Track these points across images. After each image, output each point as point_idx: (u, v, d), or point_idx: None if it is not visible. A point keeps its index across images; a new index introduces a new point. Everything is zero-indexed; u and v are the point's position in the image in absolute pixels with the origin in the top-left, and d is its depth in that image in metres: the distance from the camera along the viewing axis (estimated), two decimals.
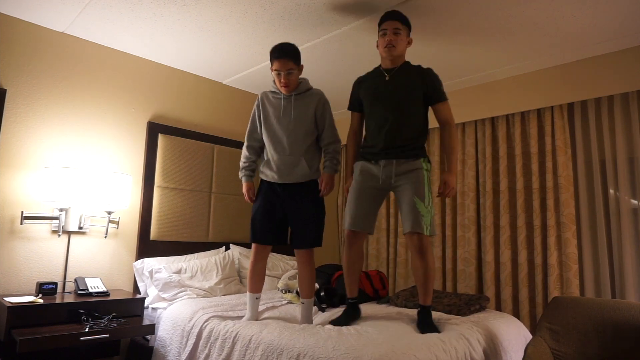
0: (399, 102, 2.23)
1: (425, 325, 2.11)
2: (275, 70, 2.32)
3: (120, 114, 3.05)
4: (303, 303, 2.36)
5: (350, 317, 2.30)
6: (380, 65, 2.37)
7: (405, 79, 2.25)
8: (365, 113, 2.41)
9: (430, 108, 2.35)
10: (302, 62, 2.39)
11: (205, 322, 2.33)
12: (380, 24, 2.29)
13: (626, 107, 2.90)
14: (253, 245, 2.43)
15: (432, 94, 2.25)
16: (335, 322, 2.25)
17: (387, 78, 2.28)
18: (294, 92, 2.39)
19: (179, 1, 2.41)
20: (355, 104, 2.47)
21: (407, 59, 2.62)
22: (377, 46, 2.32)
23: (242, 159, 2.52)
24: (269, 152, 2.42)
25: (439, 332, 2.07)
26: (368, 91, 2.36)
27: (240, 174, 2.53)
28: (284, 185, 2.36)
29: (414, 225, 2.14)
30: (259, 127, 2.48)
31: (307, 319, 2.33)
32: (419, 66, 2.29)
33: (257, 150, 2.52)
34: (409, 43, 2.31)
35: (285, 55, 2.30)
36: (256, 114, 2.49)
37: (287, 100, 2.38)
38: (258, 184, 2.50)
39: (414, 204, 2.15)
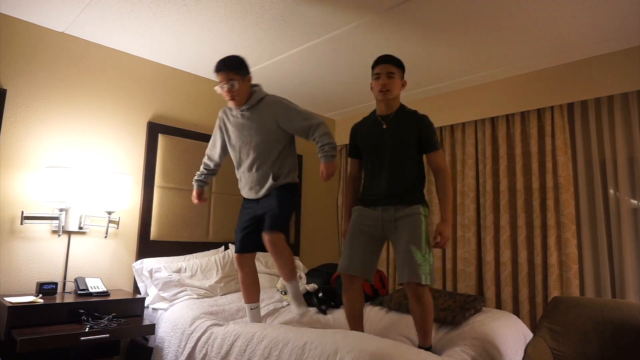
0: (396, 151, 2.21)
1: None
2: (220, 84, 2.26)
3: (120, 114, 3.05)
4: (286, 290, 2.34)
5: None
6: (375, 111, 2.34)
7: (401, 127, 2.22)
8: (363, 160, 2.38)
9: None
10: (250, 73, 2.32)
11: (207, 328, 2.31)
12: (373, 68, 2.27)
13: (626, 107, 2.90)
14: (235, 256, 2.44)
15: (424, 143, 2.22)
16: None
17: (384, 126, 2.25)
18: (246, 106, 2.31)
19: (179, 1, 2.41)
20: (353, 151, 2.44)
21: (407, 57, 2.61)
22: (372, 89, 2.31)
23: (199, 171, 2.59)
24: (237, 171, 2.45)
25: None
26: (365, 140, 2.33)
27: (193, 181, 2.60)
28: (258, 198, 2.39)
29: (410, 275, 2.05)
30: (219, 146, 2.50)
31: (297, 299, 2.30)
32: (415, 112, 2.27)
33: (212, 170, 2.59)
34: (403, 86, 2.28)
35: (224, 66, 2.23)
36: (217, 132, 2.50)
37: (243, 117, 2.33)
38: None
39: (410, 252, 2.07)
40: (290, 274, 2.32)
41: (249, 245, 2.41)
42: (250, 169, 2.35)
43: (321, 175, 2.29)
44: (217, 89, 2.28)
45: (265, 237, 2.27)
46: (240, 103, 2.30)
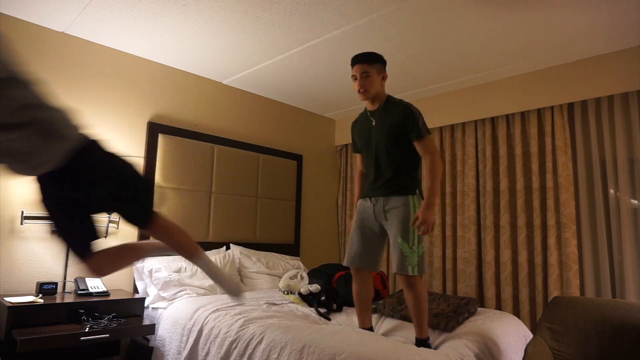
0: (383, 145, 2.24)
1: None
2: None
3: (120, 114, 3.05)
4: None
5: None
6: (366, 108, 2.37)
7: (387, 121, 2.24)
8: None
9: None
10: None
11: (206, 318, 2.33)
12: (351, 68, 2.28)
13: (626, 107, 2.90)
14: None
15: (409, 133, 2.20)
16: None
17: (373, 124, 2.29)
18: None
19: (179, 1, 2.41)
20: (355, 147, 2.50)
21: (407, 58, 2.61)
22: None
23: None
24: None
25: None
26: (359, 136, 2.39)
27: None
28: None
29: (399, 267, 2.12)
30: None
31: (215, 276, 1.92)
32: (400, 102, 2.26)
33: None
34: (384, 79, 2.28)
35: None
36: None
37: None
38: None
39: (398, 245, 2.13)
40: (188, 251, 1.88)
41: None
42: None
43: None
44: None
45: (146, 230, 1.77)
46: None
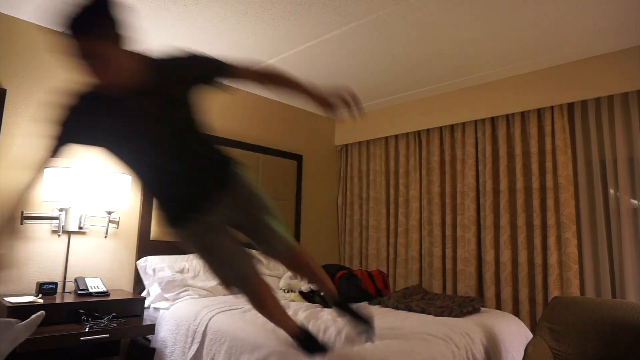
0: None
1: None
2: None
3: None
4: None
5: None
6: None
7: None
8: None
9: None
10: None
11: (210, 319, 2.31)
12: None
13: (626, 107, 2.90)
14: None
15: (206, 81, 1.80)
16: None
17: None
18: None
19: (179, 1, 2.41)
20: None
21: (407, 57, 2.57)
22: None
23: None
24: None
25: None
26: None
27: None
28: None
29: (284, 245, 1.87)
30: None
31: None
32: None
33: None
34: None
35: None
36: None
37: None
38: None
39: (269, 225, 1.85)
40: None
41: None
42: None
43: None
44: None
45: None
46: None
